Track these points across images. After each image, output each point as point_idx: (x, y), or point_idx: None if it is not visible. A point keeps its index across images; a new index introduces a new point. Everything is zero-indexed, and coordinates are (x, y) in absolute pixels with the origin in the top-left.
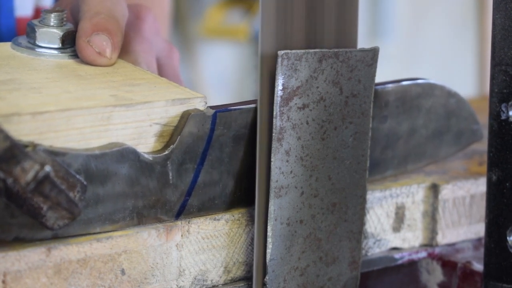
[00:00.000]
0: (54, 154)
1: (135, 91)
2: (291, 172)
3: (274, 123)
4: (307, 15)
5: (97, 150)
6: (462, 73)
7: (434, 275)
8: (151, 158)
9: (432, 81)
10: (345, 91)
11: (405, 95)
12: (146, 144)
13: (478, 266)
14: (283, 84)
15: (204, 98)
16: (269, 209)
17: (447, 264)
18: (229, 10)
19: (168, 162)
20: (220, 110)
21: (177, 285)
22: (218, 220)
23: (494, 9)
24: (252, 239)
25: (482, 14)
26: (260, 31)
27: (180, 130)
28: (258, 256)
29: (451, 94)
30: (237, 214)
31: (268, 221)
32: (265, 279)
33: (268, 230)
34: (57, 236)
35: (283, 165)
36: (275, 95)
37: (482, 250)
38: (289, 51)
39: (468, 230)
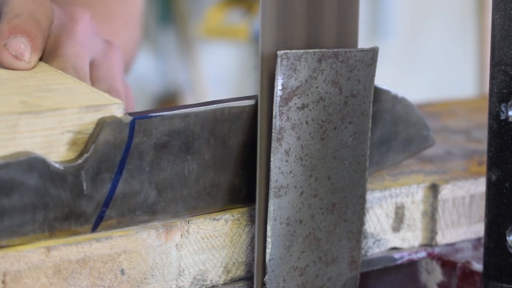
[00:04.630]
0: None
1: (48, 97)
2: (290, 172)
3: (273, 123)
4: (308, 15)
5: (1, 159)
6: (462, 73)
7: (434, 275)
8: (62, 168)
9: (377, 85)
10: (345, 91)
11: None
12: (58, 153)
13: (478, 266)
14: (282, 84)
15: (122, 104)
16: (269, 209)
17: (446, 264)
18: (229, 10)
19: (81, 172)
20: (139, 117)
21: (176, 285)
22: (218, 220)
23: (493, 9)
24: (252, 239)
25: (481, 14)
26: (260, 31)
27: (95, 138)
28: (258, 256)
29: (398, 99)
30: (237, 214)
31: (268, 221)
32: (264, 279)
33: (267, 230)
34: None
35: (282, 165)
36: (275, 95)
37: (481, 250)
38: (288, 51)
39: (468, 230)
